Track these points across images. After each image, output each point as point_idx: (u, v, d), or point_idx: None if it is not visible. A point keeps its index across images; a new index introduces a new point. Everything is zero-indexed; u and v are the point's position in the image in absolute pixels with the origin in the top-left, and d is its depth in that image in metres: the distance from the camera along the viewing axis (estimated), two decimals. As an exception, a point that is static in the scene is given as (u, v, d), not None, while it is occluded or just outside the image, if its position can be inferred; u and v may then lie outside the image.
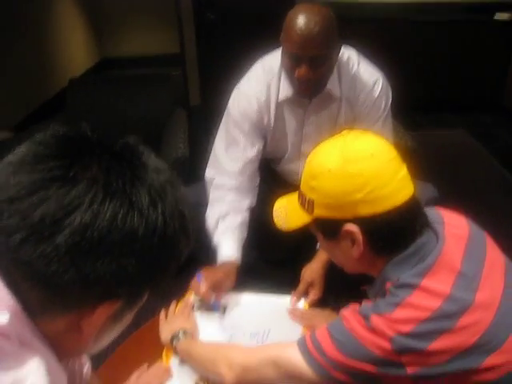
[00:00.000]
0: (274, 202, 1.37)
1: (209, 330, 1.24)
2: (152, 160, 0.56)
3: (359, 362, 0.81)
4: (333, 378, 0.84)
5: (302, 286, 1.41)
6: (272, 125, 1.57)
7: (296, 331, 1.23)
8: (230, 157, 1.56)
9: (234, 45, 2.99)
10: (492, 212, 2.72)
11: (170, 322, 1.25)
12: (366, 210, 0.83)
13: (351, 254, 0.88)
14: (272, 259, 1.90)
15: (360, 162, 0.84)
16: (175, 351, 1.14)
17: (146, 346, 1.22)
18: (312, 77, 1.36)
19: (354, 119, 1.58)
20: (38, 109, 4.03)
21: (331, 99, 1.54)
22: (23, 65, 3.93)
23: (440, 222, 0.91)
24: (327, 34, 1.31)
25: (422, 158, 3.29)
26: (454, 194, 2.94)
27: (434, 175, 3.13)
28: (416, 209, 0.88)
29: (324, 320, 1.23)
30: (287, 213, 0.97)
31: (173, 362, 1.15)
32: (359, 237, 0.84)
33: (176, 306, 1.33)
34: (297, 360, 0.87)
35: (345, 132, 0.94)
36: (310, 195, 0.89)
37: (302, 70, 1.34)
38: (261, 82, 1.53)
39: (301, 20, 1.29)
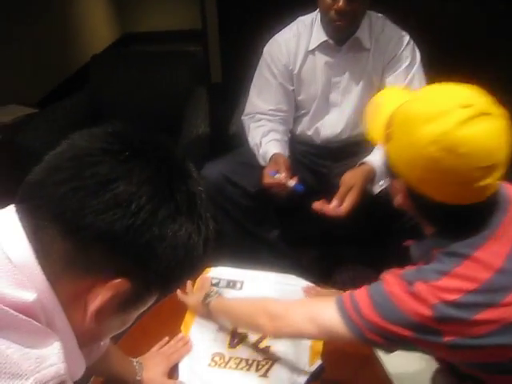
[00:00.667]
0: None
1: None
2: (194, 170, 0.59)
3: (396, 325, 0.81)
4: (368, 340, 0.84)
5: (342, 189, 1.42)
6: (300, 72, 1.66)
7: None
8: (264, 99, 1.70)
9: (256, 22, 2.94)
10: None
11: (194, 292, 1.27)
12: (425, 188, 0.80)
13: (396, 199, 0.88)
14: (292, 239, 1.91)
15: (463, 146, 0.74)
16: (203, 313, 1.13)
17: (165, 319, 1.24)
18: (350, 10, 1.45)
19: (383, 72, 1.63)
20: (60, 84, 4.07)
21: (361, 48, 1.60)
22: (46, 41, 3.95)
23: (504, 197, 0.86)
24: None
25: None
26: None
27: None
28: None
29: None
30: (376, 119, 0.91)
31: (192, 333, 1.18)
32: (405, 201, 0.83)
33: (193, 283, 1.35)
34: (334, 318, 0.87)
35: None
36: (391, 130, 0.83)
37: (341, 3, 1.43)
38: (292, 32, 1.66)
39: None
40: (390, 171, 0.86)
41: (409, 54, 1.61)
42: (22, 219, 0.50)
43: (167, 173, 0.53)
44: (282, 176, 1.45)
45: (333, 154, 1.74)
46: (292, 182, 1.45)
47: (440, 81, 0.87)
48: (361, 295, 0.87)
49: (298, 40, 1.65)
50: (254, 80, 1.76)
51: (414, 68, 1.61)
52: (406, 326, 0.80)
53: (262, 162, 1.64)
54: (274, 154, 1.57)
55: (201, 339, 1.16)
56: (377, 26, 1.61)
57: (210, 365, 1.09)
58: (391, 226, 1.64)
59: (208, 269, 1.38)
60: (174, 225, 0.51)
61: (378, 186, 1.51)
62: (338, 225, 1.73)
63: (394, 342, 0.83)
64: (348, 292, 0.90)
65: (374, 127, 0.91)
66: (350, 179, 1.44)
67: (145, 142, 0.55)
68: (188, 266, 0.56)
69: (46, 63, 3.92)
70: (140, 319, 1.25)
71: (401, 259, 1.63)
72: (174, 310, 1.25)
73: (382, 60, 1.62)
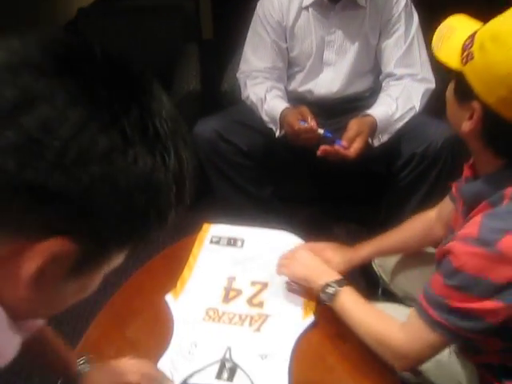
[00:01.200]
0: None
1: (221, 263, 1.26)
2: (157, 88, 0.45)
3: (480, 299, 0.74)
4: (457, 336, 0.80)
5: (351, 133, 1.44)
6: (293, 28, 1.64)
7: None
8: (259, 56, 1.68)
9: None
10: None
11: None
12: (507, 111, 0.74)
13: (463, 125, 0.81)
14: (285, 197, 1.91)
15: None
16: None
17: (159, 276, 1.25)
18: None
19: (381, 33, 1.61)
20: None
21: (356, 6, 1.58)
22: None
23: None
24: None
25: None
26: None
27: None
28: None
29: (334, 252, 1.24)
30: (448, 41, 0.85)
31: (187, 287, 1.18)
32: (475, 127, 0.78)
33: (196, 239, 1.34)
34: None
35: None
36: (475, 49, 0.77)
37: None
38: None
39: None
40: (464, 94, 0.80)
41: (408, 15, 1.58)
42: None
43: (108, 88, 0.39)
44: (312, 123, 1.45)
45: (326, 111, 1.72)
46: (321, 130, 1.47)
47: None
48: (435, 285, 0.81)
49: None
50: (248, 37, 1.73)
51: (413, 30, 1.59)
52: (492, 294, 0.73)
53: (265, 118, 1.62)
54: (287, 108, 1.56)
55: (196, 294, 1.17)
56: None
57: (204, 319, 1.10)
58: (386, 185, 1.65)
59: (207, 225, 1.37)
60: (124, 159, 0.38)
61: (378, 140, 1.52)
62: (336, 175, 1.75)
63: (482, 329, 0.77)
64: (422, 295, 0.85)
65: (447, 50, 0.85)
66: (359, 125, 1.46)
67: (80, 49, 0.41)
68: (155, 211, 0.43)
69: (32, 20, 3.79)
70: (132, 275, 1.27)
71: (394, 217, 1.65)
72: (169, 265, 1.26)
73: (378, 19, 1.59)
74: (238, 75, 1.76)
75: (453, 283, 0.77)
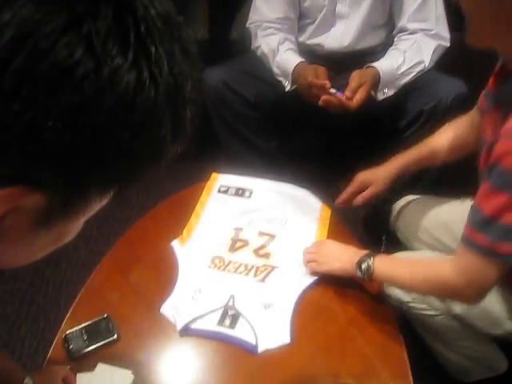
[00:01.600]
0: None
1: (228, 213, 1.25)
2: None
3: None
4: None
5: (354, 84, 1.42)
6: None
7: (312, 226, 1.24)
8: (270, 6, 1.63)
9: None
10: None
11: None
12: None
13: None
14: (291, 150, 1.88)
15: None
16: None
17: (163, 223, 1.25)
18: None
19: None
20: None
21: None
22: None
23: None
24: None
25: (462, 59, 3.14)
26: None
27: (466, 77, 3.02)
28: None
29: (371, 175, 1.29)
30: None
31: (194, 235, 1.18)
32: None
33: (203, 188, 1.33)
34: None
35: None
36: None
37: None
38: None
39: None
40: None
41: None
42: None
43: None
44: (326, 82, 1.43)
45: (336, 65, 1.68)
46: (333, 90, 1.44)
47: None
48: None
49: None
50: None
51: None
52: None
53: (275, 70, 1.58)
54: (300, 63, 1.53)
55: (203, 242, 1.17)
56: None
57: (209, 266, 1.11)
58: (393, 141, 1.62)
59: (215, 174, 1.37)
60: (95, 79, 0.28)
61: (382, 93, 1.49)
62: (342, 125, 1.72)
63: None
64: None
65: None
66: (361, 76, 1.43)
67: None
68: (146, 146, 0.34)
69: None
70: (136, 222, 1.27)
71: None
72: (174, 212, 1.26)
73: None
74: (248, 25, 1.70)
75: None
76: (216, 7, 2.27)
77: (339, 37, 1.65)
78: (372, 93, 1.46)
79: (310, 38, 1.69)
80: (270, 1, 1.64)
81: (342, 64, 1.67)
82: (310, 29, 1.67)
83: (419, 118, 1.50)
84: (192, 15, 2.04)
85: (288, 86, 1.55)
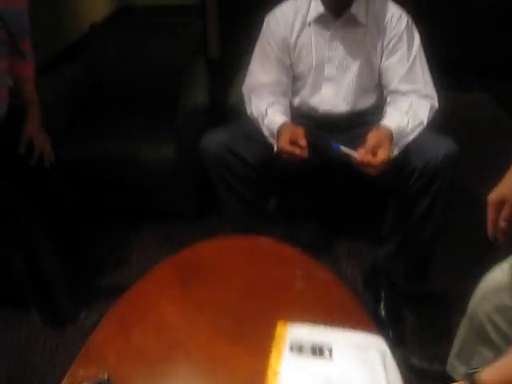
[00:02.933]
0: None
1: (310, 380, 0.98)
2: None
3: None
4: None
5: (371, 143, 1.40)
6: (296, 43, 1.68)
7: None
8: (264, 71, 1.73)
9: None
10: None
11: None
12: None
13: None
14: (289, 211, 1.93)
15: None
16: None
17: (162, 283, 1.25)
18: None
19: (383, 52, 1.64)
20: (60, 52, 4.02)
21: (356, 24, 1.61)
22: (46, 9, 3.89)
23: None
24: None
25: (448, 117, 3.25)
26: (473, 157, 2.92)
27: (454, 135, 3.12)
28: None
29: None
30: None
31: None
32: None
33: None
34: None
35: None
36: None
37: None
38: (290, 5, 1.69)
39: None
40: None
41: (409, 34, 1.61)
42: None
43: None
44: (302, 143, 1.45)
45: (332, 126, 1.75)
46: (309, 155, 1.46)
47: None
48: None
49: (295, 13, 1.66)
50: (255, 52, 1.77)
51: (415, 49, 1.62)
52: None
53: (265, 132, 1.64)
54: (284, 123, 1.57)
55: None
56: (375, 3, 1.62)
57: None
58: (387, 200, 1.66)
59: (282, 325, 1.09)
60: None
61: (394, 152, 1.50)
62: (337, 197, 1.74)
63: None
64: None
65: None
66: (379, 136, 1.42)
67: None
68: None
69: (45, 32, 3.86)
70: (136, 283, 1.28)
71: (395, 233, 1.66)
72: (174, 272, 1.27)
73: (380, 39, 1.62)
74: (243, 89, 1.79)
75: None
76: (214, 75, 2.40)
77: (331, 99, 1.72)
78: None
79: (304, 102, 1.77)
80: (263, 66, 1.73)
81: (337, 126, 1.74)
82: (303, 92, 1.75)
83: (412, 177, 1.52)
84: (192, 82, 2.15)
85: (275, 147, 1.58)
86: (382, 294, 1.75)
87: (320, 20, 1.64)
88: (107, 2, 5.89)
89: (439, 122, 1.66)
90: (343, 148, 1.43)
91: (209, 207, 2.15)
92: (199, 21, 4.45)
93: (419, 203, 1.54)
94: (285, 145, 1.47)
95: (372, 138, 1.41)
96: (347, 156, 1.42)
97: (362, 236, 2.12)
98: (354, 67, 1.66)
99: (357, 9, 1.59)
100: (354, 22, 1.61)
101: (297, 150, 1.45)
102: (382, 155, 1.38)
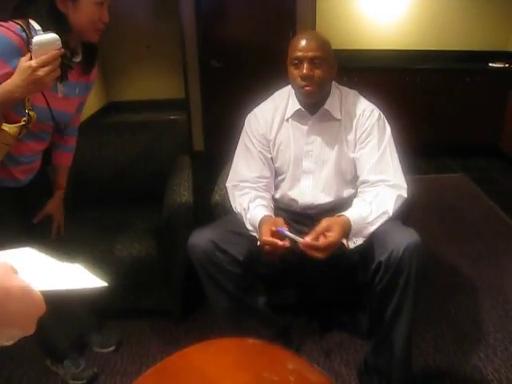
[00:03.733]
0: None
1: None
2: None
3: None
4: None
5: (318, 229, 1.44)
6: (275, 139, 1.77)
7: None
8: (247, 167, 1.80)
9: (236, 92, 3.08)
10: (492, 255, 2.73)
11: None
12: None
13: None
14: (278, 304, 1.91)
15: None
16: None
17: None
18: (313, 75, 1.60)
19: (355, 144, 1.71)
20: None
21: (331, 119, 1.71)
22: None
23: None
24: (323, 43, 1.63)
25: (423, 201, 3.36)
26: (455, 237, 2.98)
27: (433, 218, 3.20)
28: None
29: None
30: None
31: None
32: None
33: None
34: None
35: None
36: None
37: (304, 69, 1.60)
38: (269, 105, 1.81)
39: (302, 34, 1.66)
40: None
41: (380, 127, 1.70)
42: None
43: None
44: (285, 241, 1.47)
45: (311, 219, 1.77)
46: (287, 232, 1.47)
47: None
48: None
49: (274, 111, 1.77)
50: (237, 150, 1.84)
51: (386, 140, 1.69)
52: None
53: (248, 227, 1.67)
54: (265, 216, 1.61)
55: None
56: (348, 99, 1.73)
57: None
58: (368, 290, 1.64)
59: None
60: None
61: (352, 242, 1.54)
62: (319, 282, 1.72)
63: None
64: None
65: None
66: (328, 222, 1.46)
67: None
68: None
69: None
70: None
71: (377, 325, 1.64)
72: (161, 381, 1.22)
73: (353, 132, 1.71)
74: (226, 185, 1.84)
75: None
76: (197, 171, 2.46)
77: (310, 191, 1.78)
78: (344, 241, 1.49)
79: (285, 194, 1.82)
80: (245, 162, 1.80)
81: (323, 216, 1.76)
82: (284, 185, 1.81)
83: (379, 270, 1.51)
84: (176, 179, 2.19)
85: (258, 241, 1.58)
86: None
87: (297, 116, 1.73)
88: (94, 100, 6.13)
89: (401, 212, 1.69)
90: (288, 233, 1.47)
91: (195, 306, 2.12)
92: (183, 117, 4.67)
93: (389, 299, 1.53)
94: (266, 237, 1.48)
95: (322, 223, 1.46)
96: (294, 241, 1.46)
97: (352, 329, 2.09)
98: (331, 160, 1.73)
99: (330, 105, 1.70)
100: (328, 116, 1.71)
101: (279, 242, 1.46)
102: (329, 238, 1.42)
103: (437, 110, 4.46)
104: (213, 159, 1.89)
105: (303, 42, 1.60)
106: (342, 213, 1.54)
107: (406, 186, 1.66)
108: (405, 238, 1.49)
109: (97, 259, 2.02)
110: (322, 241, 1.42)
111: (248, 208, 1.68)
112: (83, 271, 0.72)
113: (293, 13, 4.32)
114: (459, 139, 4.55)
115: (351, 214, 1.53)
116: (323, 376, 1.24)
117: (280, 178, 1.82)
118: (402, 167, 1.70)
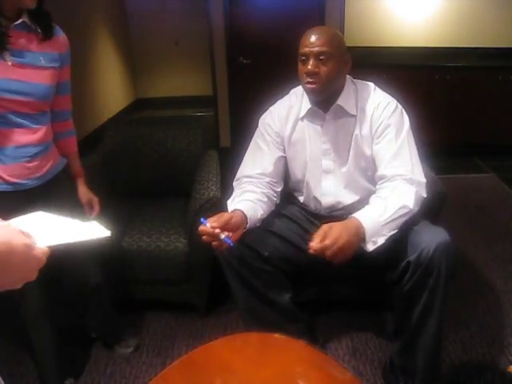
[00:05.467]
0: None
1: None
2: None
3: None
4: None
5: (321, 232, 1.38)
6: (290, 138, 1.73)
7: None
8: (253, 164, 1.75)
9: (263, 90, 3.09)
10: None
11: None
12: None
13: None
14: (303, 301, 1.90)
15: None
16: None
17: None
18: (318, 72, 1.55)
19: (372, 139, 1.64)
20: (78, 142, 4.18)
21: (346, 115, 1.65)
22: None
23: None
24: (331, 37, 1.57)
25: (452, 201, 3.30)
26: (484, 238, 2.92)
27: (462, 218, 3.14)
28: None
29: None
30: None
31: None
32: None
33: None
34: None
35: None
36: None
37: (309, 65, 1.55)
38: (284, 103, 1.77)
39: (311, 29, 1.60)
40: None
41: (397, 119, 1.61)
42: None
43: None
44: (213, 224, 1.44)
45: (341, 218, 1.73)
46: (223, 235, 1.43)
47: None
48: None
49: (289, 110, 1.72)
50: (248, 149, 1.80)
51: (403, 134, 1.60)
52: None
53: None
54: (233, 210, 1.57)
55: None
56: (363, 94, 1.66)
57: None
58: (395, 289, 1.62)
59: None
60: None
61: (372, 244, 1.45)
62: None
63: None
64: None
65: None
66: (327, 225, 1.41)
67: None
68: None
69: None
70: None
71: (403, 327, 1.61)
72: (186, 373, 1.23)
73: (369, 126, 1.63)
74: (233, 183, 1.79)
75: None
76: (224, 167, 2.47)
77: (332, 191, 1.72)
78: (361, 244, 1.44)
79: (308, 197, 1.79)
80: (253, 159, 1.75)
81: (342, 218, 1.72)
82: (305, 187, 1.77)
83: (407, 270, 1.48)
84: (204, 174, 2.21)
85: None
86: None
87: (311, 115, 1.69)
88: (125, 96, 6.22)
89: (429, 210, 1.64)
90: (207, 225, 1.44)
91: (221, 302, 2.12)
92: (211, 114, 4.69)
93: (418, 299, 1.50)
94: (202, 227, 1.45)
95: (321, 227, 1.40)
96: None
97: (378, 328, 2.07)
98: (350, 157, 1.67)
99: (344, 100, 1.64)
100: (343, 113, 1.65)
101: (204, 235, 1.44)
102: (325, 241, 1.35)
103: (467, 109, 4.37)
104: (239, 156, 1.88)
105: (310, 38, 1.56)
106: (353, 214, 1.48)
107: (424, 180, 1.58)
108: (435, 238, 1.46)
109: (123, 251, 2.05)
110: (313, 243, 1.36)
111: (232, 201, 1.66)
112: (94, 225, 0.85)
113: (322, 10, 4.30)
114: (490, 139, 4.45)
115: (361, 214, 1.47)
116: (349, 374, 1.23)
117: (300, 179, 1.78)
118: (421, 163, 1.62)
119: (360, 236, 1.42)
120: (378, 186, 1.63)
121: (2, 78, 1.39)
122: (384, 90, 1.70)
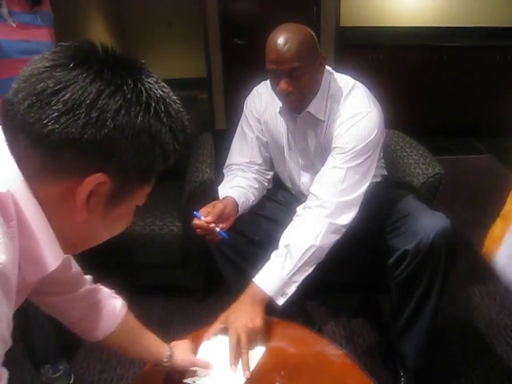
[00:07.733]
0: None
1: None
2: (155, 77, 0.62)
3: None
4: None
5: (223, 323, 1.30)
6: (268, 127, 1.68)
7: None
8: (240, 151, 1.73)
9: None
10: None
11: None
12: None
13: None
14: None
15: None
16: None
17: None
18: (292, 90, 1.42)
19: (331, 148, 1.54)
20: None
21: (316, 121, 1.56)
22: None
23: None
24: (299, 50, 1.37)
25: (450, 182, 3.28)
26: (481, 220, 2.89)
27: (460, 200, 3.12)
28: None
29: None
30: None
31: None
32: None
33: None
34: None
35: None
36: None
37: (281, 84, 1.41)
38: (268, 87, 1.61)
39: (275, 39, 1.40)
40: None
41: (353, 135, 1.44)
42: (3, 129, 0.59)
43: (110, 71, 0.57)
44: (208, 219, 1.43)
45: None
46: (218, 228, 1.43)
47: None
48: None
49: (272, 96, 1.62)
50: (236, 133, 1.77)
51: (353, 153, 1.43)
52: None
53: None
54: (225, 197, 1.55)
55: None
56: (334, 99, 1.52)
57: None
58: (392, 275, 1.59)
59: None
60: (129, 115, 0.56)
61: (283, 297, 1.38)
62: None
63: None
64: None
65: None
66: (223, 317, 1.32)
67: (91, 50, 0.60)
68: (160, 152, 0.61)
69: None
70: (143, 369, 1.23)
71: (400, 314, 1.60)
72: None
73: (332, 137, 1.52)
74: (223, 170, 1.77)
75: None
76: (220, 149, 2.43)
77: (310, 183, 1.62)
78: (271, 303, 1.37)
79: (293, 185, 1.77)
80: (241, 146, 1.73)
81: None
82: (287, 179, 1.77)
83: (405, 258, 1.44)
84: (199, 157, 2.17)
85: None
86: (401, 373, 1.66)
87: (284, 112, 1.61)
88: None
89: (429, 195, 1.61)
90: (202, 218, 1.45)
91: (218, 286, 2.10)
92: (205, 94, 4.62)
93: (415, 288, 1.48)
94: (196, 220, 1.45)
95: (219, 321, 1.31)
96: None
97: (375, 312, 2.07)
98: (324, 157, 1.57)
99: (315, 108, 1.52)
100: (313, 118, 1.55)
101: (210, 224, 1.43)
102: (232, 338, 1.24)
103: (464, 89, 4.33)
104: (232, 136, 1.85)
105: (277, 52, 1.37)
106: (255, 282, 1.37)
107: (351, 213, 1.43)
108: (434, 224, 1.40)
109: (117, 235, 2.02)
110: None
111: (224, 186, 1.64)
112: None
113: (317, -11, 4.22)
114: (487, 119, 4.42)
115: (259, 276, 1.39)
116: (347, 357, 1.21)
117: (281, 170, 1.76)
118: (364, 187, 1.46)
119: (261, 300, 1.34)
120: (297, 208, 1.52)
121: (11, 39, 1.40)
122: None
